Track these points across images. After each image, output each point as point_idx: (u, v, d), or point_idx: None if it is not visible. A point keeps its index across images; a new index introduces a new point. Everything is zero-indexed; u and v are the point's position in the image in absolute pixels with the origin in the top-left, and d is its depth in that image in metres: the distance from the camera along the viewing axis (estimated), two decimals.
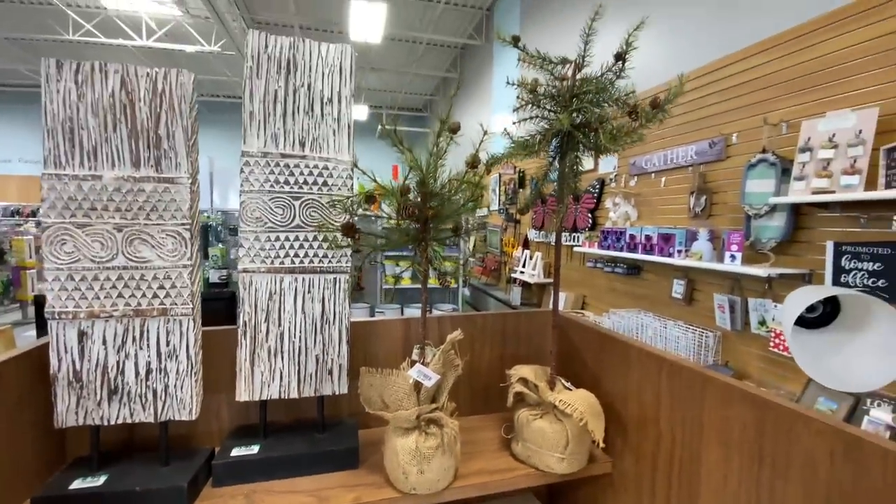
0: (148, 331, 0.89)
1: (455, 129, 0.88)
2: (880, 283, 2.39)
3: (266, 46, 0.93)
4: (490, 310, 7.49)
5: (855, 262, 2.51)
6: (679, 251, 3.45)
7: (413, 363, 0.97)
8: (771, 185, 2.87)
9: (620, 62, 0.87)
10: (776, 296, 2.88)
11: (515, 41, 0.94)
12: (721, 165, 3.31)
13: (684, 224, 3.58)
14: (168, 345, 0.89)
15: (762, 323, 3.02)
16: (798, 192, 2.65)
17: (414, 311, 5.18)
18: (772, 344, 2.86)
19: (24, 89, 13.51)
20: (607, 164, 4.67)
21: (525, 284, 6.41)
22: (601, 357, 1.15)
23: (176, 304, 0.90)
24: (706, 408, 0.87)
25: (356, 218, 0.90)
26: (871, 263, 2.45)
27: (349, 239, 0.87)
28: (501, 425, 1.25)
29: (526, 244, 6.77)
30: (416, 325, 1.24)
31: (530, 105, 0.95)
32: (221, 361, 1.10)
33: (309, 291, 0.98)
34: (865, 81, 2.42)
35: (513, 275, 6.68)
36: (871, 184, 2.34)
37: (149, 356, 0.89)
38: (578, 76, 0.90)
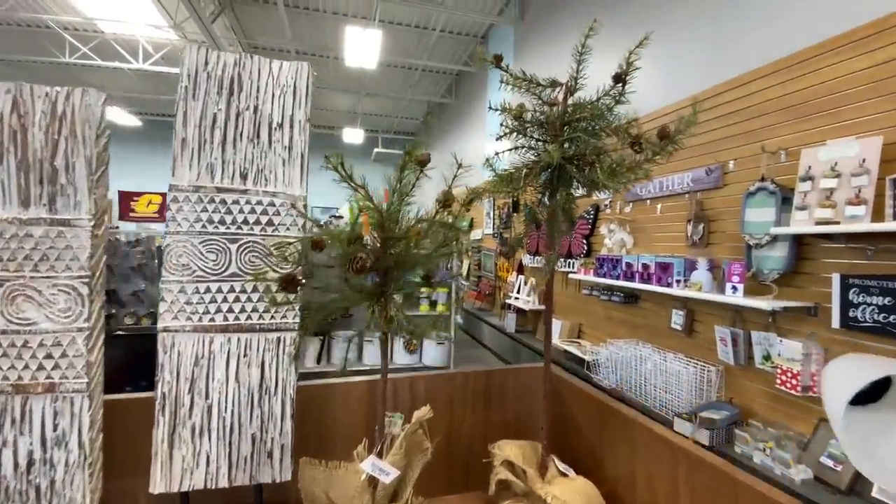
0: (31, 411, 0.71)
1: (424, 162, 0.74)
2: (892, 318, 2.26)
3: (206, 63, 0.79)
4: (484, 337, 7.27)
5: (864, 297, 2.38)
6: (678, 281, 3.32)
7: (373, 442, 0.79)
8: (771, 214, 2.77)
9: (620, 84, 0.74)
10: (780, 329, 2.74)
11: (498, 61, 0.81)
12: (718, 193, 3.23)
13: (682, 252, 3.47)
14: (56, 429, 0.72)
15: (767, 358, 2.88)
16: (801, 223, 2.55)
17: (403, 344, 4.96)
18: (778, 381, 2.70)
19: None
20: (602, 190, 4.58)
21: (520, 311, 6.24)
22: (602, 431, 0.98)
23: (67, 377, 0.72)
24: None
25: (304, 266, 0.75)
26: (881, 298, 2.32)
27: (290, 294, 0.71)
28: None
29: (521, 269, 6.63)
30: (381, 389, 1.03)
31: (516, 133, 0.82)
32: (137, 436, 0.88)
33: (245, 355, 0.81)
34: (867, 109, 2.34)
35: (507, 301, 6.52)
36: (877, 214, 2.24)
37: (31, 443, 0.71)
38: (570, 101, 0.78)
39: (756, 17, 3.02)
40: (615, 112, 0.76)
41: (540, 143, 0.81)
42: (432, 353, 4.94)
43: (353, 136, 12.80)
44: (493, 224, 7.65)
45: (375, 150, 13.71)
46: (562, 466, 0.91)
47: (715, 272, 3.13)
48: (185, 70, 0.79)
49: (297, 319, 0.85)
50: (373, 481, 0.77)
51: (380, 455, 0.79)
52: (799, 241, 2.70)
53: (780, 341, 2.72)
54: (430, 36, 8.59)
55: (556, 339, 4.95)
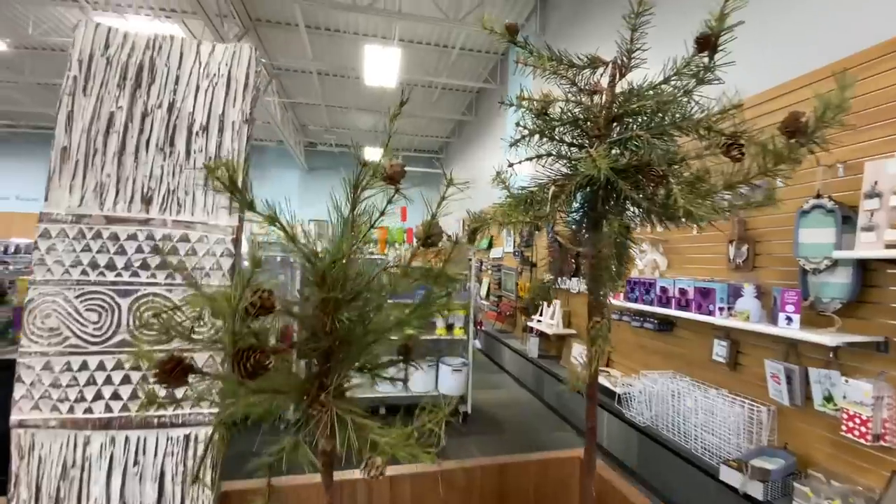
0: None
1: (394, 177, 0.51)
2: None
3: (106, 46, 0.59)
4: (505, 361, 6.93)
5: None
6: (720, 308, 2.99)
7: None
8: (830, 236, 2.46)
9: (708, 52, 0.50)
10: (844, 367, 2.41)
11: (511, 32, 0.59)
12: (764, 211, 2.90)
13: (724, 276, 3.15)
14: None
15: (828, 399, 2.52)
16: (867, 246, 2.24)
17: (418, 371, 4.69)
18: (844, 428, 2.33)
19: (52, 131, 14.09)
20: None
21: (543, 334, 5.90)
22: None
23: None
24: None
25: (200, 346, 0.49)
26: None
27: (177, 387, 0.46)
28: None
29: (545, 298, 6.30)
30: (352, 489, 0.76)
31: (538, 136, 0.59)
32: None
33: (135, 462, 0.57)
34: None
35: (529, 323, 6.19)
36: None
37: None
38: (620, 85, 0.54)
39: (813, 16, 2.74)
40: (695, 98, 0.51)
41: (574, 149, 0.58)
42: (448, 380, 4.65)
43: (374, 155, 12.84)
44: (514, 242, 7.38)
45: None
46: None
47: (764, 299, 2.80)
48: (75, 55, 0.59)
49: (215, 409, 0.61)
50: None
51: None
52: (864, 267, 2.37)
53: (846, 381, 2.38)
54: (450, 54, 8.53)
55: (581, 367, 4.60)
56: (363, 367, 0.52)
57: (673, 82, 0.54)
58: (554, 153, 0.60)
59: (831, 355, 2.49)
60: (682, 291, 3.28)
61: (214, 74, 0.64)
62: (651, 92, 0.53)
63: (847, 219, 2.42)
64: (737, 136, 0.48)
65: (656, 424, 3.40)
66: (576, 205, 0.60)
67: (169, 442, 0.60)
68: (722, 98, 0.51)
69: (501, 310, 7.88)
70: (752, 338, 2.92)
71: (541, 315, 6.02)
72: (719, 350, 3.19)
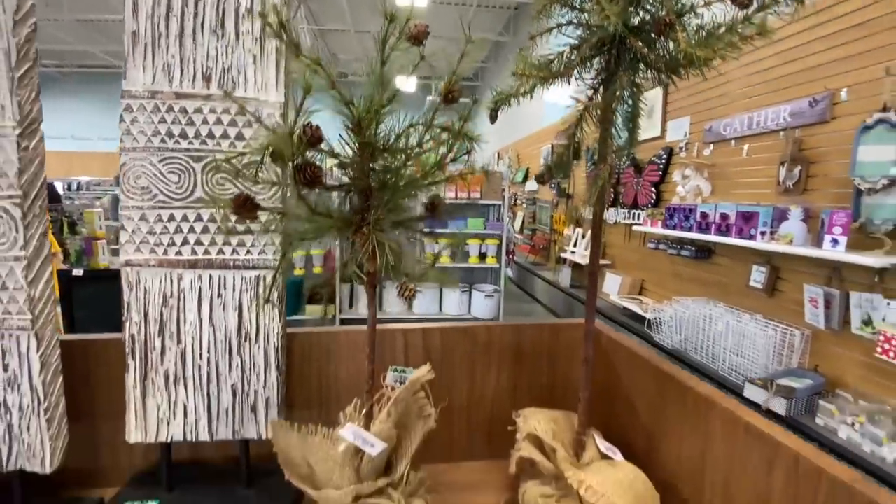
0: None
1: (419, 37, 0.54)
2: None
3: None
4: (536, 292, 7.07)
5: None
6: (763, 232, 2.90)
7: (372, 404, 0.65)
8: (892, 153, 2.28)
9: None
10: (888, 291, 2.32)
11: None
12: (823, 129, 2.71)
13: (770, 200, 3.01)
14: (6, 370, 0.65)
15: (867, 323, 2.48)
16: None
17: (452, 295, 4.89)
18: (879, 349, 2.32)
19: (98, 70, 14.30)
20: (677, 131, 4.08)
21: (576, 266, 5.94)
22: (662, 406, 0.75)
23: (10, 312, 0.64)
24: None
25: (262, 186, 0.58)
26: None
27: (246, 221, 0.55)
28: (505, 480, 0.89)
29: (578, 223, 6.25)
30: (392, 338, 0.91)
31: (558, 6, 0.60)
32: (115, 379, 0.78)
33: (219, 295, 0.70)
34: None
35: (562, 255, 6.22)
36: None
37: None
38: None
39: None
40: None
41: (593, 14, 0.58)
42: (481, 305, 4.85)
43: (406, 84, 12.45)
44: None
45: (429, 98, 13.37)
46: (604, 446, 0.73)
47: (811, 223, 2.68)
48: None
49: (277, 255, 0.72)
50: (358, 452, 0.65)
51: (369, 419, 0.67)
52: None
53: (888, 304, 2.32)
54: None
55: (614, 295, 4.66)
56: (397, 223, 0.60)
57: None
58: (575, 21, 0.61)
59: (876, 278, 2.41)
60: (724, 216, 3.19)
61: None
62: None
63: None
64: None
65: (685, 347, 3.47)
66: (592, 68, 0.63)
67: (244, 281, 0.74)
68: None
69: (535, 243, 7.90)
70: (794, 262, 2.84)
71: (574, 246, 6.01)
72: (757, 276, 3.14)
